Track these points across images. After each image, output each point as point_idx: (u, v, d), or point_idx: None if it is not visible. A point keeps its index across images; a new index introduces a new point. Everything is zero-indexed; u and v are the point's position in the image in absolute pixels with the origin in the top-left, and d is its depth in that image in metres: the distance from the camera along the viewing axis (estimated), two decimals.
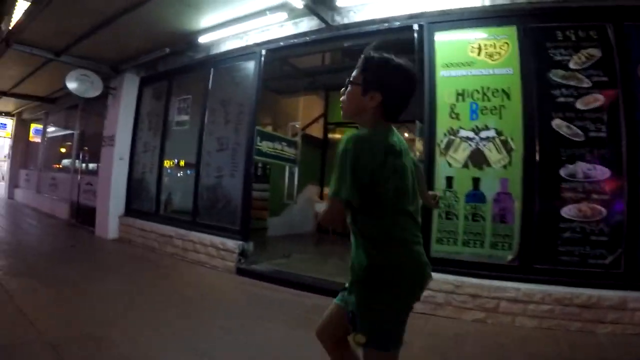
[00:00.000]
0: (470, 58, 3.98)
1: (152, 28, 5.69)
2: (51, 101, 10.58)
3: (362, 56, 1.52)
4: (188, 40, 6.05)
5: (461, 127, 3.95)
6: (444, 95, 4.05)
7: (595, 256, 3.51)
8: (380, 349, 1.40)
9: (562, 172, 3.62)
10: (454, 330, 3.38)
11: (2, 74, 8.25)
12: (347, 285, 1.55)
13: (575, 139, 3.60)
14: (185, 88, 6.85)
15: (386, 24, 4.37)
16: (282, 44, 5.31)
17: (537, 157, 3.71)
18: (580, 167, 3.56)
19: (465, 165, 3.91)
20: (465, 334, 3.32)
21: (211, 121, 6.21)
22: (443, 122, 4.02)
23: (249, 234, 5.45)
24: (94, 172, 8.90)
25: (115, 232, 7.17)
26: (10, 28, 5.96)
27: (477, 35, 4.00)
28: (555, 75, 3.70)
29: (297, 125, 8.35)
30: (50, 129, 11.72)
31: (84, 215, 8.49)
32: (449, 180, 3.96)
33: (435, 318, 3.64)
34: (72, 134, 9.82)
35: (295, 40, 5.15)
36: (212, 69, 6.27)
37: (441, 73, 4.08)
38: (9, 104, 11.85)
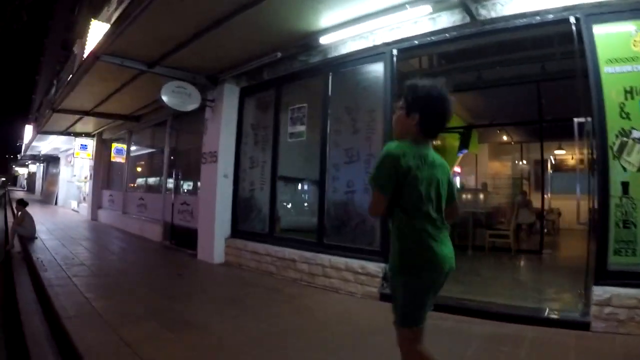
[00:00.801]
0: (634, 52, 3.51)
1: (262, 31, 5.11)
2: (135, 119, 10.36)
3: (404, 86, 1.86)
4: (303, 42, 5.46)
5: (633, 128, 3.49)
6: (612, 94, 3.57)
7: None
8: (401, 324, 1.80)
9: None
10: None
11: (86, 92, 7.97)
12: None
13: None
14: (298, 96, 6.22)
15: (538, 17, 3.92)
16: (416, 42, 4.69)
17: None
18: None
19: None
20: None
21: (335, 130, 5.52)
22: (613, 123, 3.56)
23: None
24: (190, 191, 8.50)
25: (221, 256, 6.57)
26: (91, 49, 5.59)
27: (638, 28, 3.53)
28: None
29: None
30: (134, 147, 11.54)
31: (179, 237, 8.04)
32: (625, 185, 3.51)
33: (621, 337, 3.18)
34: (161, 151, 9.47)
35: (433, 38, 4.54)
36: (330, 74, 5.63)
37: (605, 69, 3.60)
38: (89, 124, 11.81)
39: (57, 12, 36.81)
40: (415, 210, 1.74)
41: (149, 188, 10.34)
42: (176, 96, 6.33)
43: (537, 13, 3.92)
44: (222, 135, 6.71)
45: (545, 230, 8.98)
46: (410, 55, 5.26)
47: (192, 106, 6.54)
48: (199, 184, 8.29)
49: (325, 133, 5.55)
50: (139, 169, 11.17)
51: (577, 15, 3.74)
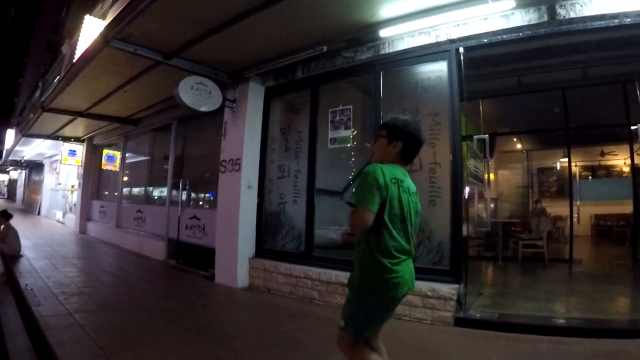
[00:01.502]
0: None
1: (305, 21, 4.43)
2: (133, 122, 9.38)
3: (386, 121, 2.11)
4: (352, 36, 4.79)
5: None
6: None
7: None
8: (348, 332, 1.95)
9: None
10: None
11: (83, 88, 6.98)
12: None
13: None
14: (339, 97, 5.44)
15: (616, 20, 3.71)
16: (485, 40, 4.20)
17: None
18: None
19: None
20: None
21: None
22: None
23: (461, 275, 4.09)
24: (202, 204, 7.54)
25: (245, 279, 5.65)
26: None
27: None
28: None
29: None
30: (130, 154, 10.49)
31: (188, 256, 7.09)
32: None
33: None
34: (164, 159, 8.49)
35: (504, 37, 4.12)
36: (381, 72, 4.92)
37: None
38: (79, 127, 10.76)
39: (43, 12, 35.39)
40: (386, 230, 1.86)
41: (148, 199, 9.29)
42: (195, 94, 5.42)
43: (615, 16, 3.69)
44: (246, 141, 5.82)
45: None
46: (475, 54, 4.58)
47: (212, 106, 5.65)
48: (209, 195, 7.42)
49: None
50: (136, 178, 10.08)
51: None
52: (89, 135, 11.68)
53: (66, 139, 11.83)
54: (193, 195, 7.72)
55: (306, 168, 5.48)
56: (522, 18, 3.97)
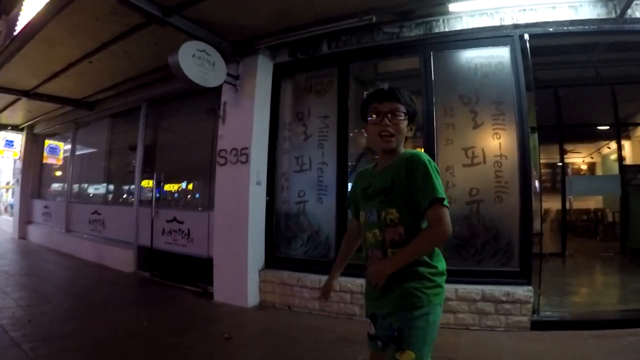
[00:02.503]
0: None
1: None
2: (89, 106, 7.85)
3: (399, 91, 1.59)
4: (405, 8, 4.08)
5: None
6: None
7: None
8: None
9: None
10: None
11: (39, 55, 5.42)
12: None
13: None
14: (376, 78, 4.66)
15: None
16: (551, 29, 3.95)
17: None
18: None
19: None
20: None
21: (445, 125, 4.05)
22: None
23: (533, 275, 3.73)
24: (181, 203, 6.33)
25: (255, 295, 4.61)
26: None
27: None
28: None
29: None
30: (82, 144, 8.84)
31: (165, 267, 5.87)
32: None
33: None
34: (130, 149, 7.11)
35: (570, 28, 3.92)
36: (432, 53, 4.25)
37: None
38: (18, 112, 8.91)
39: None
40: None
41: (109, 198, 7.82)
42: (198, 63, 4.30)
43: None
44: (255, 126, 4.79)
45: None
46: (539, 42, 4.14)
47: (216, 82, 4.55)
48: (193, 193, 6.27)
49: (431, 127, 4.02)
50: (90, 173, 8.48)
51: None
52: (29, 122, 9.77)
53: (2, 126, 9.85)
54: (171, 193, 6.48)
55: (335, 160, 4.57)
56: (591, 11, 3.84)
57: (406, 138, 1.61)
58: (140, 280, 5.91)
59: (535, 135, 3.86)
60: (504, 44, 4.03)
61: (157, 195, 6.30)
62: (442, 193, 1.41)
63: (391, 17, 4.21)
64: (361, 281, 3.99)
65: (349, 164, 4.60)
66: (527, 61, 3.94)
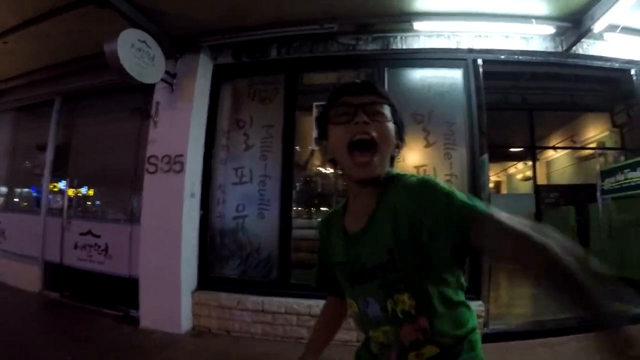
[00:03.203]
0: None
1: None
2: None
3: (381, 89, 1.02)
4: (366, 21, 4.09)
5: None
6: None
7: None
8: None
9: None
10: None
11: None
12: None
13: None
14: (326, 90, 4.41)
15: (608, 63, 4.39)
16: (502, 57, 4.25)
17: None
18: None
19: None
20: None
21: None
22: None
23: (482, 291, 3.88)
24: (98, 213, 5.59)
25: (188, 320, 4.15)
26: None
27: None
28: None
29: None
30: None
31: (78, 287, 5.14)
32: None
33: None
34: (37, 149, 6.17)
35: (521, 57, 4.28)
36: (386, 69, 4.22)
37: None
38: None
39: None
40: None
41: (8, 205, 6.71)
42: (137, 55, 3.80)
43: (609, 59, 4.40)
44: (192, 132, 4.36)
45: None
46: (490, 68, 4.35)
47: (153, 77, 4.07)
48: (113, 202, 5.59)
49: None
50: None
51: (635, 69, 4.44)
52: None
53: None
54: (87, 201, 5.71)
55: (280, 173, 4.30)
56: (540, 44, 4.23)
57: (391, 159, 1.03)
58: (48, 302, 5.09)
59: (486, 155, 3.93)
60: (458, 67, 4.20)
61: (70, 203, 5.51)
62: (484, 206, 0.87)
63: (351, 28, 4.12)
64: (309, 302, 3.81)
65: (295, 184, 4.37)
66: (480, 84, 4.10)
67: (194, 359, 3.43)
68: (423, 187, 0.91)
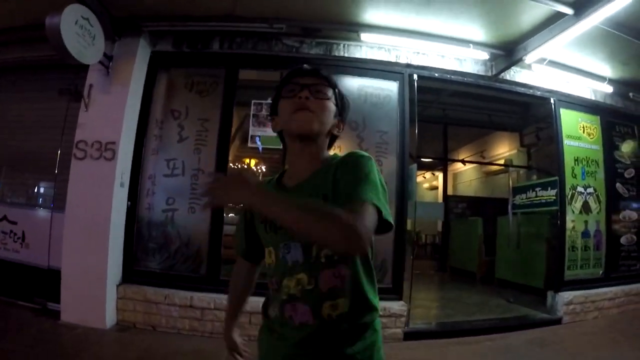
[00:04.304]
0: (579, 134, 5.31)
1: None
2: None
3: (326, 75, 1.17)
4: (314, 26, 4.25)
5: (577, 185, 5.20)
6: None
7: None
8: None
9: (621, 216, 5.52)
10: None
11: None
12: None
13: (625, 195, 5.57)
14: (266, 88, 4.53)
15: (531, 91, 5.09)
16: (436, 75, 4.70)
17: (610, 206, 5.41)
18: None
19: (580, 212, 5.19)
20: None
21: (333, 147, 4.18)
22: (569, 180, 5.13)
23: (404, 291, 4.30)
24: (13, 199, 5.18)
25: (113, 314, 4.05)
26: None
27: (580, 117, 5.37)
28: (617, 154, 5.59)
29: None
30: None
31: None
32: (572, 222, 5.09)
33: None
34: None
35: (453, 77, 4.76)
36: None
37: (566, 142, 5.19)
38: None
39: None
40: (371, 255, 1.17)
41: None
42: (79, 34, 3.61)
43: (531, 87, 5.03)
44: (126, 118, 4.21)
45: None
46: (423, 83, 4.77)
47: (92, 58, 3.89)
48: (32, 187, 5.22)
49: None
50: None
51: (553, 98, 5.15)
52: None
53: None
54: (1, 185, 5.27)
55: (214, 167, 4.29)
56: (472, 67, 4.68)
57: (333, 138, 1.20)
58: None
59: (415, 165, 4.25)
60: (395, 79, 4.49)
61: None
62: (383, 202, 0.97)
63: (298, 30, 4.23)
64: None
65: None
66: (414, 97, 4.44)
67: (118, 356, 3.36)
68: (356, 157, 1.06)
